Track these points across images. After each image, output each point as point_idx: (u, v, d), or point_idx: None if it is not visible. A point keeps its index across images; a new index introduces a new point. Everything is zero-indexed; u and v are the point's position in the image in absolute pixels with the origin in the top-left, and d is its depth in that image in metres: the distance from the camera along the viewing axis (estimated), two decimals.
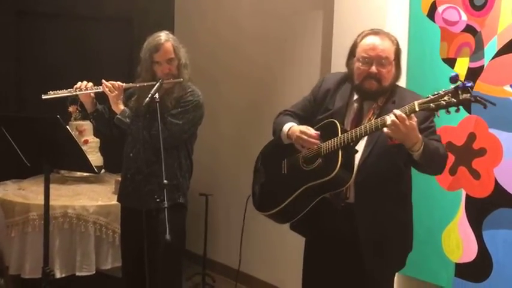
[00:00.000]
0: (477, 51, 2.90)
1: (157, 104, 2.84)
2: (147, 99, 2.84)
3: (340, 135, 2.45)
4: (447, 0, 3.00)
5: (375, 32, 2.52)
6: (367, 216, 2.51)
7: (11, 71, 5.03)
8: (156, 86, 2.92)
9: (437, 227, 3.07)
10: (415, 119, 2.27)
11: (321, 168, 2.48)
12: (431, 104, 2.20)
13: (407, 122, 2.23)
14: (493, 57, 2.83)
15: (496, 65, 2.82)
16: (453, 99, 2.17)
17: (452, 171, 3.01)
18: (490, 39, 2.84)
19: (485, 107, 2.20)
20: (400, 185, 2.58)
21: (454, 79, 2.18)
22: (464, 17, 2.94)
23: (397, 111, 2.24)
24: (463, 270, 2.98)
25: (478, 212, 2.91)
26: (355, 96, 2.58)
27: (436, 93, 2.23)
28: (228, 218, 4.68)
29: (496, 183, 2.83)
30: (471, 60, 2.92)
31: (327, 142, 2.49)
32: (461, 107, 2.59)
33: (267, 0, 4.35)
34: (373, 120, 2.38)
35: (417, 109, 2.23)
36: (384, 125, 2.29)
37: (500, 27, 2.80)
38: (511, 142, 2.78)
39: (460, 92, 2.17)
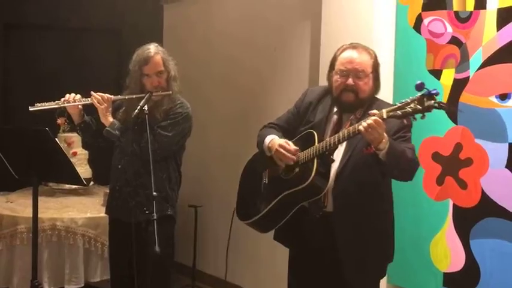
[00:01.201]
0: (462, 63, 2.93)
1: (147, 116, 2.85)
2: (136, 111, 2.85)
3: (316, 144, 2.52)
4: (433, 13, 3.04)
5: (353, 46, 2.59)
6: (345, 225, 2.55)
7: None
8: (145, 98, 2.93)
9: (425, 237, 3.09)
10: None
11: (298, 176, 2.55)
12: (398, 112, 2.28)
13: (381, 124, 2.30)
14: (478, 69, 2.87)
15: (481, 76, 2.86)
16: (419, 106, 2.25)
17: (440, 181, 3.04)
18: (475, 50, 2.88)
19: (448, 113, 2.32)
20: (378, 194, 2.62)
21: (419, 87, 2.26)
22: (449, 29, 2.98)
23: (370, 121, 2.30)
24: (451, 280, 3.00)
25: (466, 222, 2.93)
26: (335, 109, 2.64)
27: (403, 101, 2.30)
28: (217, 229, 4.67)
29: (483, 193, 2.85)
30: (457, 72, 2.96)
31: (304, 152, 2.56)
32: (449, 118, 2.83)
33: (255, 10, 4.38)
34: (345, 129, 2.44)
35: (385, 116, 2.30)
36: (355, 132, 2.37)
37: (484, 39, 2.84)
38: (497, 152, 2.80)
39: (425, 99, 2.25)
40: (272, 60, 4.25)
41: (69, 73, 5.09)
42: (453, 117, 2.96)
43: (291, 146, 2.58)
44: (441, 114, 2.99)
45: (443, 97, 2.99)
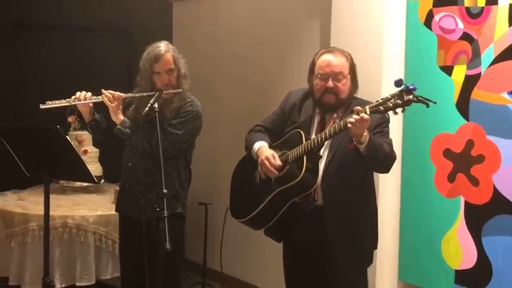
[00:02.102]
0: (474, 59, 2.91)
1: (157, 114, 2.85)
2: (147, 109, 2.85)
3: (304, 142, 2.68)
4: (444, 9, 3.02)
5: (329, 50, 2.78)
6: (335, 216, 2.70)
7: (9, 82, 5.04)
8: (155, 96, 2.93)
9: (437, 234, 3.08)
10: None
11: (288, 173, 2.69)
12: (380, 107, 2.43)
13: (368, 120, 2.45)
14: (490, 65, 2.85)
15: (493, 73, 2.84)
16: (398, 101, 2.38)
17: (451, 178, 3.02)
18: (487, 46, 2.86)
19: (427, 106, 2.41)
20: (363, 186, 2.79)
21: (398, 83, 2.39)
22: (460, 25, 2.96)
23: (357, 116, 2.45)
24: (462, 277, 2.98)
25: (477, 219, 2.92)
26: (318, 110, 2.81)
27: (384, 97, 2.45)
28: (227, 226, 4.67)
29: (495, 189, 2.84)
30: (468, 68, 2.94)
31: (292, 150, 2.72)
32: (460, 114, 2.94)
33: (264, 8, 4.37)
34: (331, 126, 2.62)
35: (368, 112, 2.44)
36: (341, 129, 2.54)
37: (496, 35, 2.82)
38: (509, 149, 2.79)
39: (404, 94, 2.37)
40: (281, 57, 4.24)
41: (79, 72, 5.10)
42: (465, 113, 2.95)
43: (277, 161, 2.72)
44: (452, 111, 2.99)
45: (454, 93, 2.98)
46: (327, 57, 2.72)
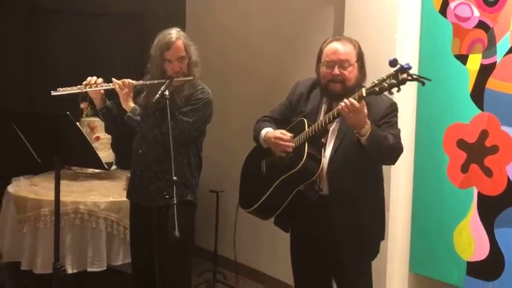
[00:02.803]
0: (490, 48, 2.86)
1: (167, 101, 2.83)
2: (157, 96, 2.83)
3: (306, 129, 2.70)
4: None
5: (337, 39, 2.75)
6: (341, 207, 2.68)
7: (22, 68, 5.07)
8: (165, 83, 2.91)
9: (449, 225, 3.05)
10: (363, 103, 2.47)
11: (291, 161, 2.71)
12: (376, 88, 2.42)
13: (356, 105, 2.44)
14: (506, 54, 2.80)
15: (509, 62, 2.79)
16: (393, 80, 2.38)
17: (464, 169, 2.99)
18: (503, 35, 2.81)
19: (423, 84, 2.42)
20: (370, 176, 2.74)
21: (393, 63, 2.39)
22: (476, 13, 2.91)
23: (346, 100, 2.46)
24: (474, 269, 2.96)
25: (490, 210, 2.89)
26: (325, 99, 2.78)
27: (379, 78, 2.44)
28: (238, 214, 4.67)
29: (509, 181, 2.80)
30: (483, 57, 2.89)
31: (296, 138, 2.73)
32: (475, 104, 2.91)
33: None
34: (330, 112, 2.61)
35: (364, 94, 2.45)
36: (334, 115, 2.56)
37: None
38: None
39: (399, 74, 2.38)
40: (294, 46, 4.20)
41: (92, 58, 5.10)
42: (479, 103, 2.90)
43: (287, 134, 2.73)
44: (467, 100, 2.95)
45: (469, 83, 2.94)
46: (334, 45, 2.69)
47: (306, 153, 2.64)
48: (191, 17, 5.24)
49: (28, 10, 5.09)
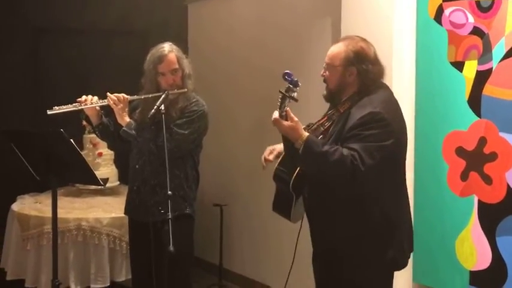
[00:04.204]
0: (485, 54, 2.83)
1: (163, 115, 2.84)
2: (153, 111, 2.84)
3: None
4: (454, 3, 2.95)
5: (340, 39, 2.64)
6: (317, 212, 2.58)
7: (28, 86, 5.11)
8: (162, 97, 2.92)
9: (450, 234, 3.00)
10: (290, 122, 2.39)
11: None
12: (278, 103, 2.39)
13: (274, 116, 2.40)
14: (502, 59, 2.77)
15: (505, 67, 2.76)
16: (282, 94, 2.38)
17: (464, 177, 2.95)
18: (498, 40, 2.78)
19: (295, 100, 2.39)
20: (354, 189, 2.43)
21: (283, 76, 2.39)
22: (471, 19, 2.89)
23: (275, 114, 2.40)
24: (477, 278, 2.90)
25: (491, 218, 2.84)
26: None
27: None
28: (242, 228, 4.66)
29: (508, 188, 2.75)
30: (479, 63, 2.86)
31: None
32: (472, 111, 2.88)
33: (274, 10, 4.34)
34: None
35: (276, 115, 2.40)
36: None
37: (507, 28, 2.73)
38: None
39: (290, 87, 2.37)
40: (292, 57, 4.19)
41: (99, 75, 5.14)
42: (477, 110, 2.87)
43: (269, 151, 2.74)
44: (464, 108, 2.91)
45: (466, 90, 2.90)
46: (331, 47, 2.59)
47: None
48: (194, 31, 5.27)
49: (35, 28, 5.15)
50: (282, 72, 2.37)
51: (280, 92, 2.37)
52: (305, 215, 2.70)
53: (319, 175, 2.46)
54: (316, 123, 2.58)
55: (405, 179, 2.62)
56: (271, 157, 2.71)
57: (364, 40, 2.57)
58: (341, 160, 2.31)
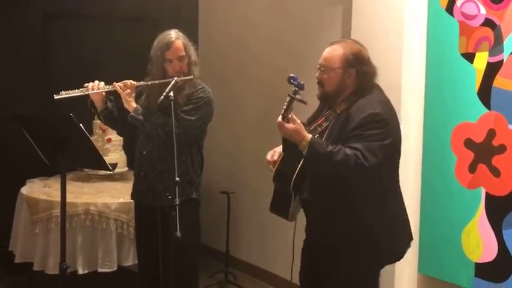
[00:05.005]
0: (496, 45, 2.82)
1: (172, 101, 2.85)
2: (162, 97, 2.84)
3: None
4: None
5: (333, 42, 2.64)
6: (318, 213, 2.62)
7: (38, 72, 5.13)
8: (171, 84, 2.92)
9: (457, 226, 3.01)
10: (293, 124, 2.45)
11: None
12: (284, 107, 2.45)
13: (278, 121, 2.46)
14: None
15: None
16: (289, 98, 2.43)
17: (472, 169, 2.94)
18: (510, 32, 2.76)
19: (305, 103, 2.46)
20: (353, 187, 2.52)
21: (288, 80, 2.45)
22: (483, 10, 2.87)
23: (279, 118, 2.46)
24: (483, 270, 2.91)
25: (498, 211, 2.84)
26: None
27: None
28: (249, 215, 4.68)
29: None
30: (490, 55, 2.85)
31: None
32: (482, 103, 2.89)
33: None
34: None
35: (280, 119, 2.46)
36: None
37: None
38: None
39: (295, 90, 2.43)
40: (301, 48, 4.17)
41: (108, 62, 5.13)
42: (486, 102, 2.86)
43: (270, 155, 2.74)
44: (474, 100, 2.90)
45: (476, 81, 2.89)
46: (326, 49, 2.61)
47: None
48: (204, 17, 5.26)
49: (43, 14, 5.15)
50: (287, 77, 2.43)
51: (288, 95, 2.42)
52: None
53: (324, 174, 2.53)
54: (313, 123, 2.62)
55: (398, 175, 2.69)
56: (275, 157, 2.73)
57: (358, 42, 2.66)
58: (345, 159, 2.39)
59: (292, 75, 2.44)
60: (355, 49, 2.57)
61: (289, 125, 2.45)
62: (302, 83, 2.43)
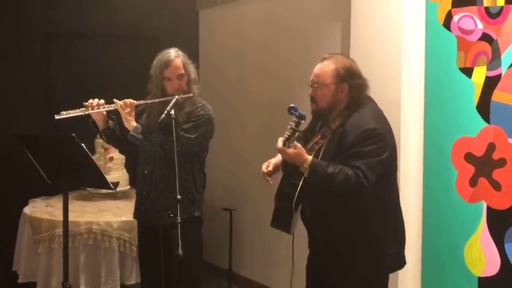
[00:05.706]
0: (494, 60, 2.84)
1: (173, 120, 2.86)
2: (163, 115, 2.85)
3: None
4: (463, 9, 2.95)
5: (324, 58, 2.66)
6: (318, 228, 2.68)
7: (39, 91, 5.16)
8: (172, 102, 2.94)
9: (459, 240, 3.00)
10: (293, 149, 2.50)
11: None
12: (286, 135, 2.50)
13: (278, 146, 2.52)
14: (511, 66, 2.77)
15: None
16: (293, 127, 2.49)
17: (473, 183, 2.95)
18: (507, 47, 2.78)
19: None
20: (352, 202, 2.57)
21: (289, 111, 2.49)
22: (480, 25, 2.89)
23: (279, 142, 2.52)
24: (486, 285, 2.90)
25: (500, 225, 2.84)
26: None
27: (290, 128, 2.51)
28: (252, 232, 4.67)
29: None
30: (488, 69, 2.86)
31: None
32: (481, 117, 2.89)
33: (284, 14, 4.36)
34: None
35: (280, 145, 2.51)
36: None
37: None
38: None
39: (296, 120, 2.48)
40: (301, 63, 4.20)
41: (109, 81, 5.17)
42: (485, 116, 2.87)
43: (265, 167, 2.79)
44: (473, 114, 2.92)
45: (475, 96, 2.91)
46: (317, 65, 2.64)
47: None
48: (205, 37, 5.30)
49: (45, 34, 5.19)
50: (288, 107, 2.47)
51: (291, 127, 2.47)
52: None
53: (325, 194, 2.58)
54: (310, 141, 2.65)
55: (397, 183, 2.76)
56: (270, 168, 2.77)
57: (347, 56, 2.72)
58: (346, 180, 2.45)
59: (292, 105, 2.48)
60: (346, 63, 2.61)
61: (290, 150, 2.50)
62: (303, 113, 2.48)
